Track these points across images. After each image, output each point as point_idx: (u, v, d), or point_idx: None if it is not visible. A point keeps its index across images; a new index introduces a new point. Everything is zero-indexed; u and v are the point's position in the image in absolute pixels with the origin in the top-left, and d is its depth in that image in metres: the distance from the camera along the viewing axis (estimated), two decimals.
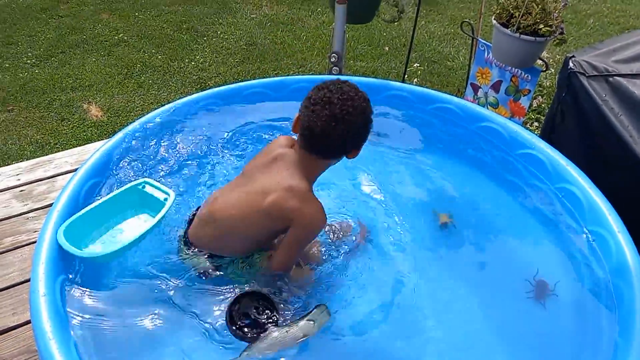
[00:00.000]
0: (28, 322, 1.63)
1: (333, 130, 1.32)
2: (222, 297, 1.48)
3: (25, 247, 1.89)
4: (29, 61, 3.73)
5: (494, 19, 2.37)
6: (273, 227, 1.43)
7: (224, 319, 1.41)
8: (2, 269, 1.80)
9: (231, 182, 1.55)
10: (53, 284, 1.40)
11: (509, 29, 2.28)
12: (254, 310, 1.41)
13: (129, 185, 1.66)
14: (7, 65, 3.65)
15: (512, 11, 2.29)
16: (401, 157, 2.05)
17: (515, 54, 2.37)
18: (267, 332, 1.36)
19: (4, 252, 1.86)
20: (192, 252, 1.52)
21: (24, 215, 2.00)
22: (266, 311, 1.41)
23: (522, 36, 2.26)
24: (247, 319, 1.40)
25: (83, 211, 1.55)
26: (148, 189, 1.67)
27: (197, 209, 1.60)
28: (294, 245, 1.43)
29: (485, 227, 1.83)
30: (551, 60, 3.11)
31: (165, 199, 1.62)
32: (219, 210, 1.47)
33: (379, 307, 1.53)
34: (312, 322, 1.36)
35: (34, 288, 1.37)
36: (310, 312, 1.39)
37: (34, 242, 1.89)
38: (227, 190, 1.52)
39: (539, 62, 2.50)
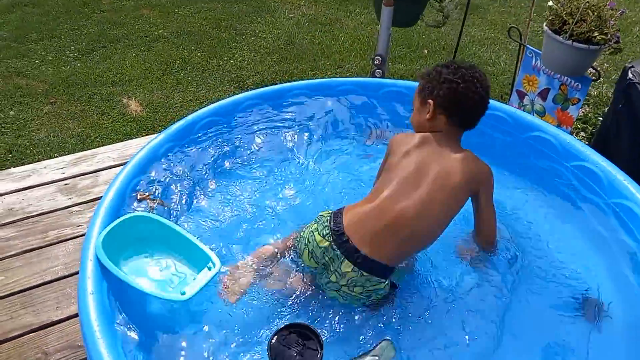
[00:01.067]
0: (72, 317, 1.64)
1: (483, 102, 1.52)
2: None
3: (70, 241, 1.90)
4: (71, 55, 3.78)
5: (546, 26, 2.30)
6: (465, 199, 1.51)
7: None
8: (47, 262, 1.81)
9: (391, 196, 1.44)
10: (101, 282, 1.39)
11: (561, 36, 2.21)
12: (297, 346, 1.35)
13: (180, 230, 1.56)
14: (50, 58, 3.71)
15: (565, 18, 2.22)
16: None
17: (567, 62, 2.30)
18: None
19: (49, 245, 1.88)
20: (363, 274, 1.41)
21: (68, 209, 2.02)
22: (309, 346, 1.35)
23: (574, 44, 2.19)
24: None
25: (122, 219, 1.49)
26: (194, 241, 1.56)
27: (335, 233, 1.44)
28: (491, 202, 1.56)
29: (533, 239, 1.77)
30: (600, 69, 3.01)
31: (210, 267, 1.50)
32: (411, 217, 1.41)
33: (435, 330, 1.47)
34: (376, 358, 1.31)
35: (82, 286, 1.37)
36: (375, 347, 1.33)
37: (78, 236, 1.91)
38: (401, 199, 1.43)
39: (590, 70, 2.43)
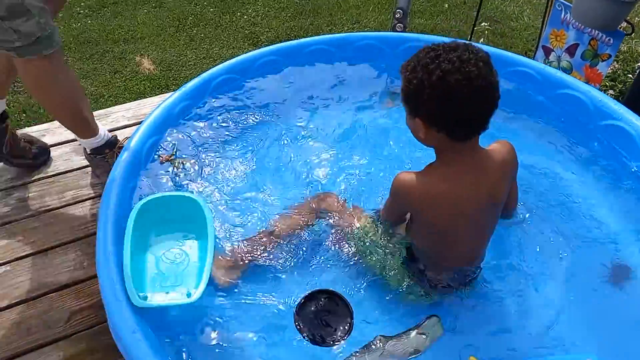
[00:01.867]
0: (91, 277, 1.64)
1: (485, 103, 1.20)
2: None
3: (87, 201, 1.88)
4: (81, 11, 3.69)
5: None
6: None
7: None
8: (67, 222, 1.80)
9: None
10: (119, 243, 1.38)
11: None
12: (325, 313, 1.32)
13: (136, 206, 1.47)
14: (60, 15, 3.62)
15: None
16: None
17: (600, 14, 2.18)
18: (375, 343, 1.25)
19: (66, 206, 1.86)
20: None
21: (84, 169, 1.99)
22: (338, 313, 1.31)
23: None
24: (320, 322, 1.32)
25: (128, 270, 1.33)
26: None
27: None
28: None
29: (562, 204, 1.70)
30: (633, 22, 2.87)
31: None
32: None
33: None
34: (424, 336, 1.24)
35: (100, 248, 1.35)
36: (422, 323, 1.28)
37: (95, 197, 1.89)
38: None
39: (623, 24, 2.30)
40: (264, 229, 1.56)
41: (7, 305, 1.56)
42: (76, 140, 2.11)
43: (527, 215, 1.61)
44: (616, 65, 2.93)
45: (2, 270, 1.65)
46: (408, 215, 1.40)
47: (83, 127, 1.84)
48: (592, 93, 1.82)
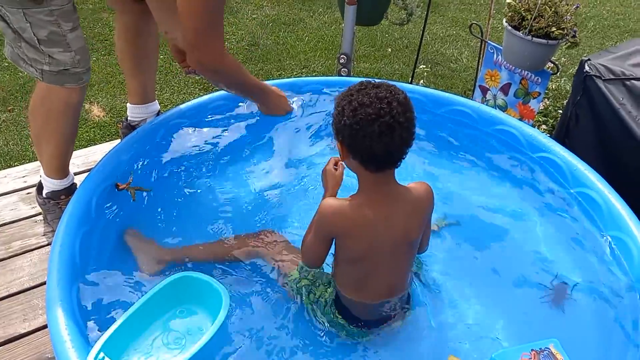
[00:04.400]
0: (40, 329, 1.60)
1: (392, 142, 1.27)
2: None
3: (35, 251, 1.85)
4: None
5: (506, 22, 2.36)
6: None
7: None
8: (12, 274, 1.76)
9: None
10: (70, 290, 1.36)
11: (521, 32, 2.27)
12: None
13: (166, 281, 1.43)
14: (6, 64, 3.58)
15: (523, 14, 2.29)
16: (413, 160, 2.03)
17: (527, 56, 2.36)
18: None
19: (13, 257, 1.82)
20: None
21: (32, 219, 1.96)
22: None
23: (534, 39, 2.25)
24: None
25: (117, 324, 1.32)
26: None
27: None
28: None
29: (500, 230, 1.82)
30: (557, 63, 3.10)
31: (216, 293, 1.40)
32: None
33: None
34: None
35: (50, 295, 1.33)
36: None
37: (43, 245, 1.86)
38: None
39: (549, 64, 2.50)
40: (204, 242, 1.66)
41: None
42: (23, 190, 2.09)
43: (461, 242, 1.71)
44: (547, 102, 3.14)
45: None
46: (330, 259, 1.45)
47: (58, 167, 1.86)
48: (524, 128, 1.96)
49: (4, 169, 2.28)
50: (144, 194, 1.77)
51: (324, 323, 1.46)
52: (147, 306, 1.38)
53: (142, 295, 1.40)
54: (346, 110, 1.20)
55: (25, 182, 2.13)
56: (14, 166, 2.30)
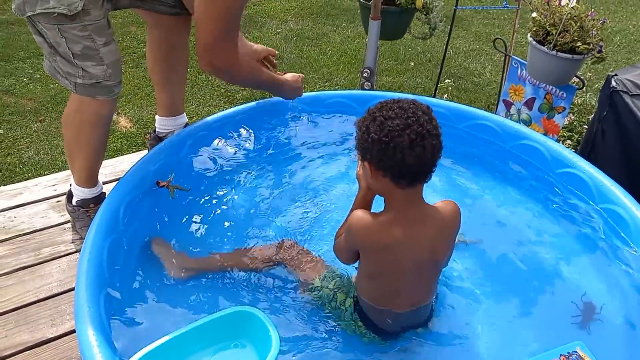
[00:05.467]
0: (67, 334, 1.63)
1: (424, 154, 1.27)
2: None
3: (63, 257, 1.89)
4: None
5: (530, 36, 2.35)
6: None
7: None
8: (41, 280, 1.80)
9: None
10: (98, 297, 1.39)
11: (546, 47, 2.27)
12: None
13: (226, 312, 1.43)
14: (38, 76, 3.70)
15: (548, 29, 2.28)
16: (436, 174, 2.03)
17: (552, 71, 2.35)
18: None
19: (42, 263, 1.86)
20: None
21: (61, 226, 2.01)
22: None
23: (559, 54, 2.24)
24: None
25: (166, 338, 1.33)
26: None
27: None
28: None
29: (524, 247, 1.80)
30: (583, 77, 3.08)
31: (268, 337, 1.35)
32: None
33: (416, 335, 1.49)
34: None
35: (78, 301, 1.36)
36: None
37: (72, 253, 1.90)
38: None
39: (575, 79, 2.48)
40: (233, 250, 1.70)
41: None
42: (53, 198, 2.14)
43: (494, 257, 1.70)
44: (572, 117, 3.12)
45: None
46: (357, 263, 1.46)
47: (89, 176, 1.91)
48: (548, 143, 1.95)
49: (35, 177, 2.34)
50: (176, 192, 1.85)
51: (344, 331, 1.46)
52: (200, 330, 1.37)
53: (196, 320, 1.40)
54: (371, 127, 1.20)
55: (55, 190, 2.18)
56: (45, 175, 2.36)
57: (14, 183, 2.26)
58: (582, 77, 2.45)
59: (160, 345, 1.32)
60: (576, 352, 1.33)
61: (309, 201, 1.95)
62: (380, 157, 1.20)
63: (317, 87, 3.79)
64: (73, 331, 1.60)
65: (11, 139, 3.07)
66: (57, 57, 1.64)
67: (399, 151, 1.17)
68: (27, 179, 2.28)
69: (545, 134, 2.59)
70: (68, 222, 2.02)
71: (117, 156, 2.63)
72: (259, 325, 1.38)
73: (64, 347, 1.60)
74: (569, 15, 2.24)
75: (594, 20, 2.22)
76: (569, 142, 2.91)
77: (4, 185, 2.28)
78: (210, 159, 2.00)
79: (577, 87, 2.46)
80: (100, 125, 1.79)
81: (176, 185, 1.85)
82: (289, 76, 2.02)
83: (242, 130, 2.13)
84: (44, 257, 1.89)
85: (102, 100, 1.70)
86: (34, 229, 2.00)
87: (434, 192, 1.85)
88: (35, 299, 1.74)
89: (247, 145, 2.11)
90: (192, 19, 2.05)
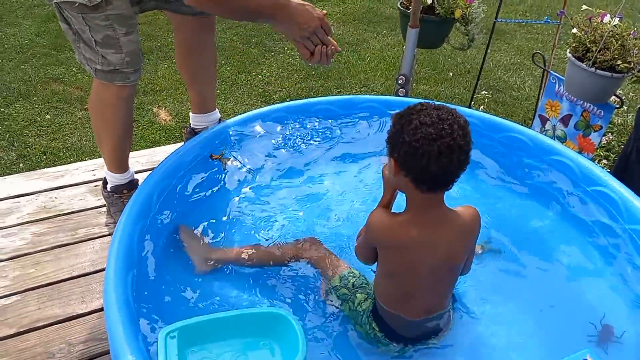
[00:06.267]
0: (96, 311, 1.71)
1: (450, 163, 1.27)
2: None
3: (97, 239, 1.98)
4: None
5: (569, 52, 2.33)
6: None
7: None
8: (75, 258, 1.89)
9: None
10: (125, 279, 1.46)
11: (585, 63, 2.25)
12: None
13: (264, 310, 1.49)
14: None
15: (589, 45, 2.26)
16: (464, 183, 2.04)
17: (590, 88, 2.32)
18: None
19: (78, 243, 1.96)
20: None
21: (97, 209, 2.11)
22: None
23: (597, 71, 2.22)
24: None
25: (200, 319, 1.38)
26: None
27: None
28: None
29: (548, 263, 1.79)
30: (624, 97, 3.02)
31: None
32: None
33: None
34: None
35: (107, 281, 1.43)
36: None
37: (105, 235, 1.99)
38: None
39: (613, 98, 2.45)
40: (257, 244, 1.74)
41: (14, 332, 1.64)
42: (91, 182, 2.24)
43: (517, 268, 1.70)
44: (611, 137, 3.06)
45: (13, 300, 1.73)
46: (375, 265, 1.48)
47: (117, 161, 1.99)
48: (579, 160, 1.93)
49: (76, 162, 2.45)
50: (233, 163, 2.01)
51: (360, 333, 1.49)
52: (234, 320, 1.41)
53: (234, 309, 1.47)
54: (405, 127, 1.21)
55: (94, 175, 2.28)
56: (85, 160, 2.47)
57: (58, 166, 2.38)
58: (621, 96, 2.41)
59: (197, 322, 1.37)
60: (586, 359, 1.32)
61: (336, 202, 1.98)
62: (406, 159, 1.22)
63: (354, 92, 3.82)
64: (101, 309, 1.67)
65: (57, 125, 3.21)
66: (80, 44, 1.73)
67: (426, 159, 1.18)
68: (69, 163, 2.39)
69: (579, 152, 2.56)
70: (103, 206, 2.11)
71: (154, 147, 2.73)
72: (290, 332, 1.38)
73: (92, 323, 1.68)
74: (611, 33, 2.22)
75: (636, 39, 2.19)
76: (604, 161, 2.86)
77: (48, 167, 2.39)
78: (242, 155, 2.06)
79: (616, 106, 2.42)
80: (121, 107, 1.85)
81: (228, 158, 1.97)
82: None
83: (276, 128, 2.17)
84: (79, 237, 1.98)
85: (120, 85, 1.77)
86: (72, 210, 2.10)
87: (457, 197, 1.86)
88: (69, 276, 1.83)
89: (278, 143, 2.16)
90: (215, 19, 2.11)
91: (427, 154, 1.18)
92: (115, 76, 1.75)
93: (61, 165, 2.41)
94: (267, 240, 1.79)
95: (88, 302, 1.75)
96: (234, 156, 2.02)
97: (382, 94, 3.78)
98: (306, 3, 1.66)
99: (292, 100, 2.31)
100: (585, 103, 2.46)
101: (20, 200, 2.12)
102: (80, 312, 1.72)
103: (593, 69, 2.22)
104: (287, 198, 1.97)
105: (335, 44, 1.72)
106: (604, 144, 3.01)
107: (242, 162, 2.03)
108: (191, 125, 2.41)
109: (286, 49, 4.36)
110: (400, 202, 1.44)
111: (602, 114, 2.43)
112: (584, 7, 2.48)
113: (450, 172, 1.22)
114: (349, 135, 2.26)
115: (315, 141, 2.23)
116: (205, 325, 1.38)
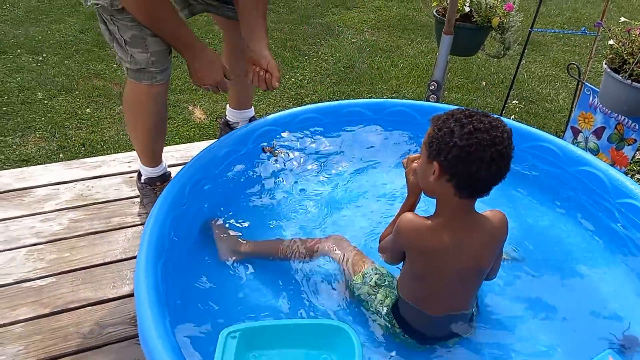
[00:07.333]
0: (126, 296, 1.78)
1: (499, 172, 1.29)
2: None
3: (130, 228, 2.05)
4: None
5: (605, 64, 2.31)
6: None
7: None
8: (108, 245, 1.97)
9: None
10: (155, 267, 1.51)
11: (621, 75, 2.22)
12: None
13: (324, 321, 1.49)
14: None
15: (625, 57, 2.24)
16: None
17: (625, 101, 2.30)
18: None
19: (111, 230, 2.03)
20: None
21: (131, 200, 2.18)
22: None
23: (634, 84, 2.19)
24: None
25: (264, 323, 1.44)
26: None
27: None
28: None
29: (572, 271, 1.78)
30: None
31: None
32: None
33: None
34: None
35: (138, 268, 1.49)
36: None
37: (137, 225, 2.06)
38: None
39: None
40: (282, 239, 1.78)
41: (49, 312, 1.71)
42: (127, 174, 2.32)
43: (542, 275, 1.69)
44: None
45: (49, 281, 1.81)
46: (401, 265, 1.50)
47: (149, 155, 2.07)
48: (610, 171, 1.91)
49: (114, 154, 2.54)
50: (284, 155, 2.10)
51: (381, 328, 1.51)
52: (296, 329, 1.43)
53: (297, 318, 1.49)
54: (457, 132, 1.20)
55: (129, 166, 2.37)
56: (122, 152, 2.56)
57: (95, 157, 2.47)
58: None
59: (260, 326, 1.41)
60: None
61: (362, 202, 2.01)
62: (456, 164, 1.21)
63: (385, 97, 3.84)
64: (131, 294, 1.74)
65: (96, 119, 3.33)
66: (114, 44, 1.80)
67: (477, 164, 1.19)
68: (107, 154, 2.49)
69: (612, 165, 2.53)
70: (137, 196, 2.19)
71: (189, 143, 2.81)
72: (348, 346, 1.37)
73: (122, 307, 1.75)
74: None
75: None
76: (638, 176, 2.81)
77: (86, 158, 2.49)
78: (287, 150, 2.12)
79: None
80: (151, 107, 1.90)
81: (279, 150, 2.07)
82: (208, 51, 1.83)
83: (305, 130, 2.22)
84: (113, 225, 2.06)
85: (148, 84, 1.82)
86: (108, 199, 2.18)
87: (484, 203, 1.87)
88: (102, 261, 1.90)
89: (309, 143, 2.20)
90: None
91: (479, 159, 1.19)
92: (142, 75, 1.81)
93: (98, 156, 2.50)
94: (293, 235, 1.82)
95: (119, 287, 1.81)
96: (285, 150, 2.11)
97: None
98: (217, 63, 1.85)
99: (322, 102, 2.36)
100: (620, 116, 2.43)
101: (59, 188, 2.21)
102: (111, 296, 1.78)
103: (629, 81, 2.20)
104: (314, 196, 2.01)
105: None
106: (638, 158, 2.96)
107: (289, 157, 2.11)
108: (227, 117, 2.48)
109: (320, 53, 4.41)
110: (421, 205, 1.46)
111: (637, 127, 2.40)
112: (623, 19, 2.46)
113: (497, 178, 1.24)
114: (382, 137, 2.29)
115: (349, 143, 2.27)
116: (267, 330, 1.41)
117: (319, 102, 3.70)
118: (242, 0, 1.94)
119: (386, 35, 4.83)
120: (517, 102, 3.58)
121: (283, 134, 2.19)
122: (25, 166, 2.53)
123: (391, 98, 3.80)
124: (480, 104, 3.84)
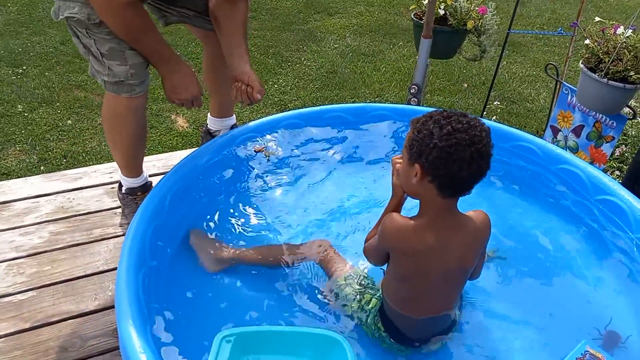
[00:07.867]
0: (108, 308, 1.76)
1: (479, 170, 1.30)
2: None
3: (111, 239, 2.03)
4: None
5: (582, 63, 2.35)
6: None
7: None
8: (90, 257, 1.95)
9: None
10: (136, 277, 1.50)
11: (597, 74, 2.26)
12: None
13: (318, 330, 1.48)
14: None
15: (601, 56, 2.27)
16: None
17: (602, 99, 2.33)
18: None
19: (93, 242, 2.01)
20: None
21: (112, 210, 2.16)
22: None
23: (610, 82, 2.22)
24: None
25: (258, 329, 1.46)
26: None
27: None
28: None
29: (554, 268, 1.79)
30: (637, 108, 3.00)
31: None
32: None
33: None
34: None
35: (119, 280, 1.48)
36: None
37: (119, 235, 2.05)
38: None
39: (626, 109, 2.44)
40: (266, 245, 1.79)
41: (29, 327, 1.69)
42: (108, 184, 2.31)
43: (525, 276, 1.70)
44: (625, 148, 3.04)
45: (29, 295, 1.79)
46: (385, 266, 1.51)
47: (130, 166, 2.06)
48: (588, 169, 1.94)
49: (95, 164, 2.52)
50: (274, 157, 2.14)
51: (365, 332, 1.51)
52: (291, 336, 1.44)
53: (292, 326, 1.50)
54: (436, 133, 1.21)
55: (111, 177, 2.35)
56: (104, 163, 2.54)
57: (77, 168, 2.45)
58: (634, 108, 2.41)
59: (255, 331, 1.42)
60: (588, 351, 1.35)
61: (346, 206, 2.01)
62: (437, 165, 1.23)
63: (367, 101, 3.86)
64: (113, 306, 1.72)
65: (78, 130, 3.31)
66: (90, 57, 1.78)
67: (458, 164, 1.20)
68: (88, 166, 2.47)
69: (591, 163, 2.56)
70: (119, 207, 2.17)
71: (171, 152, 2.79)
72: (342, 357, 1.37)
73: (104, 319, 1.73)
74: (624, 44, 2.23)
75: None
76: (617, 172, 2.84)
77: (67, 169, 2.47)
78: (255, 160, 2.10)
79: (628, 117, 2.42)
80: (131, 119, 1.89)
81: (270, 152, 2.11)
82: (185, 66, 1.84)
83: (286, 135, 2.22)
84: (94, 237, 2.04)
85: (127, 96, 1.81)
86: (89, 210, 2.16)
87: (466, 204, 1.88)
88: (83, 274, 1.88)
89: (290, 148, 2.20)
90: None
91: (459, 160, 1.20)
92: (121, 88, 1.79)
93: (80, 167, 2.48)
94: (277, 241, 1.82)
95: (101, 299, 1.79)
96: (274, 150, 2.14)
97: (397, 103, 3.81)
98: (194, 77, 1.86)
99: (305, 107, 2.36)
100: (598, 114, 2.47)
101: (40, 200, 2.19)
102: (93, 308, 1.76)
103: (605, 80, 2.23)
104: (296, 201, 2.01)
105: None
106: (617, 155, 2.99)
107: (277, 158, 2.14)
108: (208, 125, 2.47)
109: (303, 59, 4.42)
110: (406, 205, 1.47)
111: (615, 125, 2.43)
112: (598, 18, 2.49)
113: (478, 177, 1.26)
114: (364, 140, 2.30)
115: (331, 147, 2.28)
116: (262, 335, 1.42)
117: (302, 107, 3.72)
118: (223, 20, 1.94)
119: (368, 40, 4.86)
120: (499, 103, 3.62)
121: (267, 137, 2.20)
122: (5, 179, 2.50)
123: (374, 102, 3.84)
124: (462, 106, 3.87)
